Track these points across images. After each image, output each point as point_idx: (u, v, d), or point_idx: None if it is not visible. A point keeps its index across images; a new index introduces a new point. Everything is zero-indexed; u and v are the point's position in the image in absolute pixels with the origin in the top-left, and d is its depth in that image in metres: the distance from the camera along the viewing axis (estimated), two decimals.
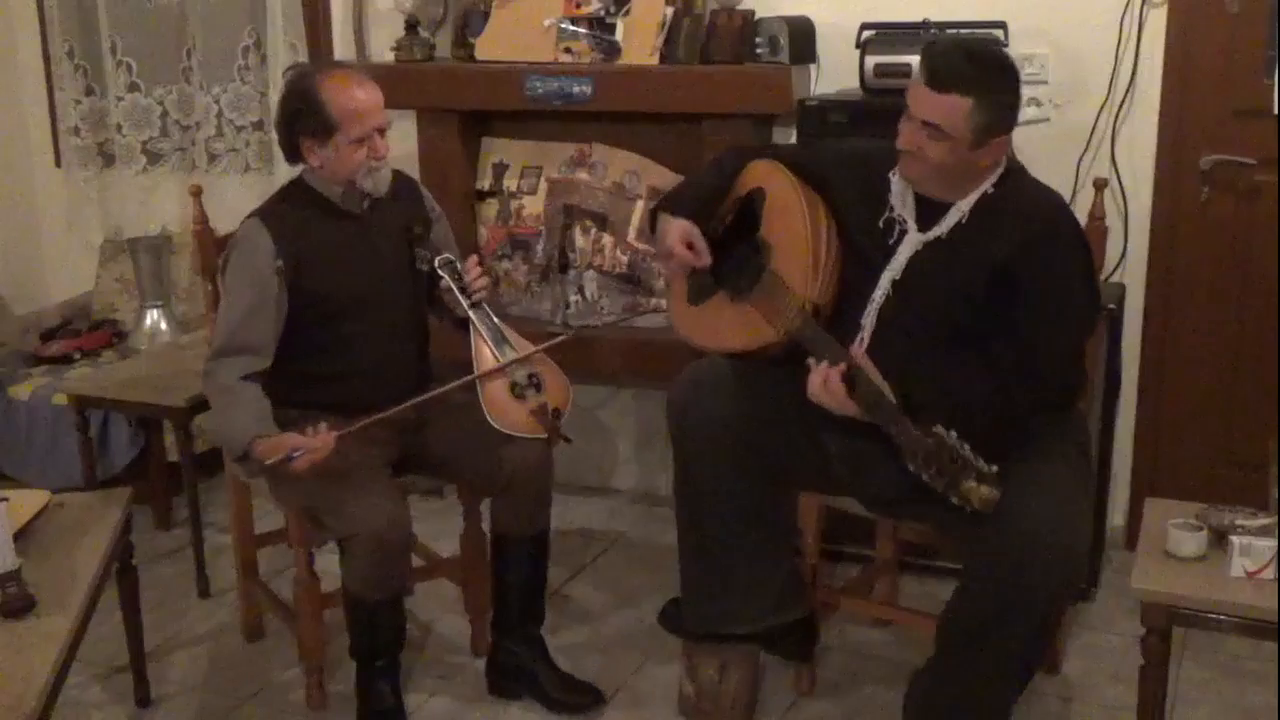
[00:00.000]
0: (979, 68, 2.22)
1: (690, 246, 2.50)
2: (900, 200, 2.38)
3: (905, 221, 2.36)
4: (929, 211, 2.35)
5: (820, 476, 2.51)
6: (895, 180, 2.39)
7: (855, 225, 2.42)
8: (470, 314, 2.71)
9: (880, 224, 2.38)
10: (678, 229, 2.51)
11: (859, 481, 2.47)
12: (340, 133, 2.60)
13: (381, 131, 2.66)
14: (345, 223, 2.71)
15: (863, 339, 2.36)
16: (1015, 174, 2.36)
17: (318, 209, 2.70)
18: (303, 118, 2.62)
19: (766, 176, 2.54)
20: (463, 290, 2.71)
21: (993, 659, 2.25)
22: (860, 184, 2.43)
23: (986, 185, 2.31)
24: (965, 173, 2.29)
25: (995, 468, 2.03)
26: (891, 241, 2.37)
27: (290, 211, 2.69)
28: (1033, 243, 2.26)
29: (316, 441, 2.47)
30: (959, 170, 2.28)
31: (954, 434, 2.05)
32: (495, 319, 2.74)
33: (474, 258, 2.82)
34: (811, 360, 2.27)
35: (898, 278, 2.35)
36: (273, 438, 2.51)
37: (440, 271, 2.71)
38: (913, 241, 2.35)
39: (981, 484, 2.01)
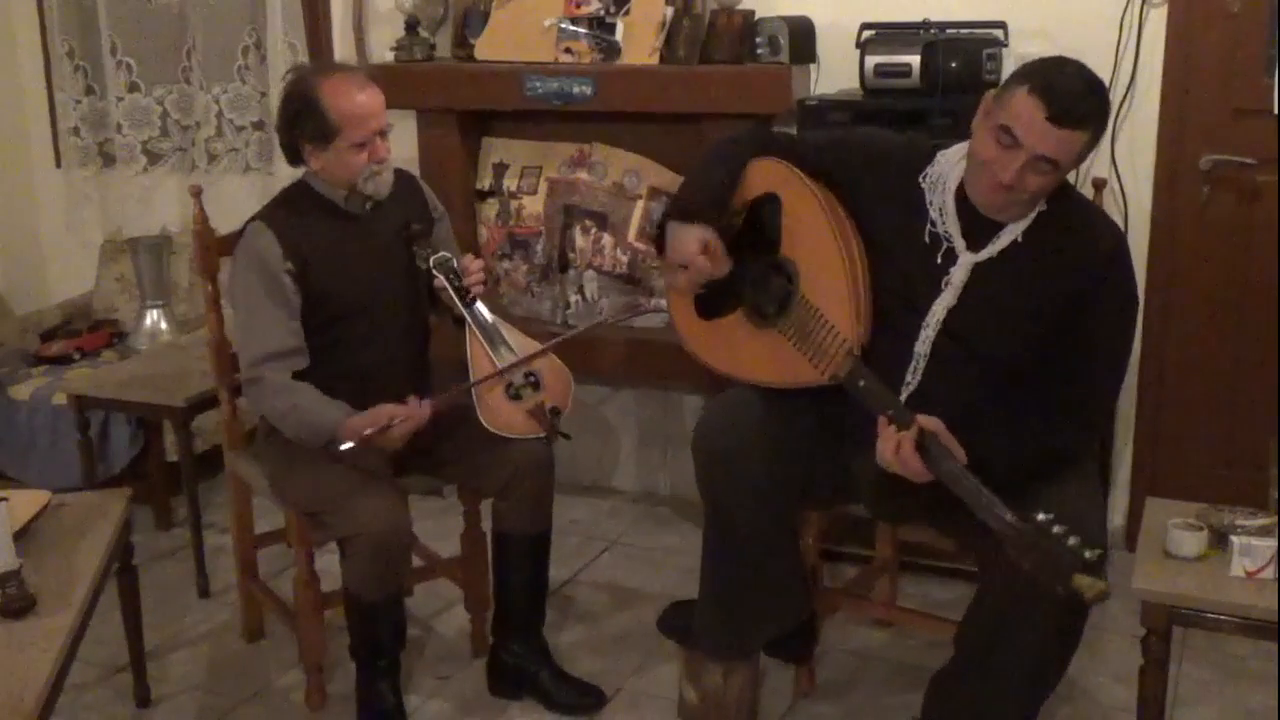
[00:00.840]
0: (1097, 103, 2.14)
1: (711, 256, 2.34)
2: (941, 215, 2.25)
3: (952, 238, 2.24)
4: (977, 228, 2.23)
5: (841, 494, 2.46)
6: (929, 190, 2.28)
7: (891, 235, 2.29)
8: (465, 313, 2.70)
9: (926, 239, 2.25)
10: (696, 236, 2.33)
11: (881, 500, 2.40)
12: (341, 137, 2.58)
13: (383, 134, 2.64)
14: (348, 224, 2.71)
15: (916, 368, 2.26)
16: (1066, 193, 2.26)
17: (320, 211, 2.69)
18: (303, 121, 2.60)
19: (780, 181, 2.39)
20: (457, 289, 2.70)
21: (1011, 669, 2.23)
22: (893, 188, 2.31)
23: (1041, 204, 2.21)
24: (1045, 196, 2.20)
25: (1099, 551, 1.89)
26: (940, 260, 2.24)
27: (292, 214, 2.68)
28: (1102, 276, 2.19)
29: (413, 410, 2.51)
30: (1043, 195, 2.19)
31: (1052, 518, 1.92)
32: (491, 317, 2.72)
33: (470, 256, 2.80)
34: (879, 421, 2.14)
35: (953, 304, 2.23)
36: (362, 414, 2.53)
37: (435, 271, 2.70)
38: (966, 264, 2.22)
39: (1097, 579, 1.87)
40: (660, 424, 3.88)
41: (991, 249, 2.22)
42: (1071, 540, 1.89)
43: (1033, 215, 2.21)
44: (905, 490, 2.22)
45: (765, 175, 2.42)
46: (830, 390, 2.26)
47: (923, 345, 2.25)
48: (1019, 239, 2.21)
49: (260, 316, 2.61)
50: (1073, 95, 2.10)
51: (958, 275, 2.23)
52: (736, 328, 2.43)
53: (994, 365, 2.24)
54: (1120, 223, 3.25)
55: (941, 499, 2.28)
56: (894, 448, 2.11)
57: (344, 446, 2.50)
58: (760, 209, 2.44)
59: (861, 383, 2.19)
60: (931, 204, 2.27)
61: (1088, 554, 1.88)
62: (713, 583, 2.55)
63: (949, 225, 2.25)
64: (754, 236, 2.43)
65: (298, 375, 2.64)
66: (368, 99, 2.60)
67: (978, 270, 2.23)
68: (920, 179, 2.29)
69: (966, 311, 2.23)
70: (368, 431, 2.50)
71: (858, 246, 2.29)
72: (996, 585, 2.21)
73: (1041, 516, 1.93)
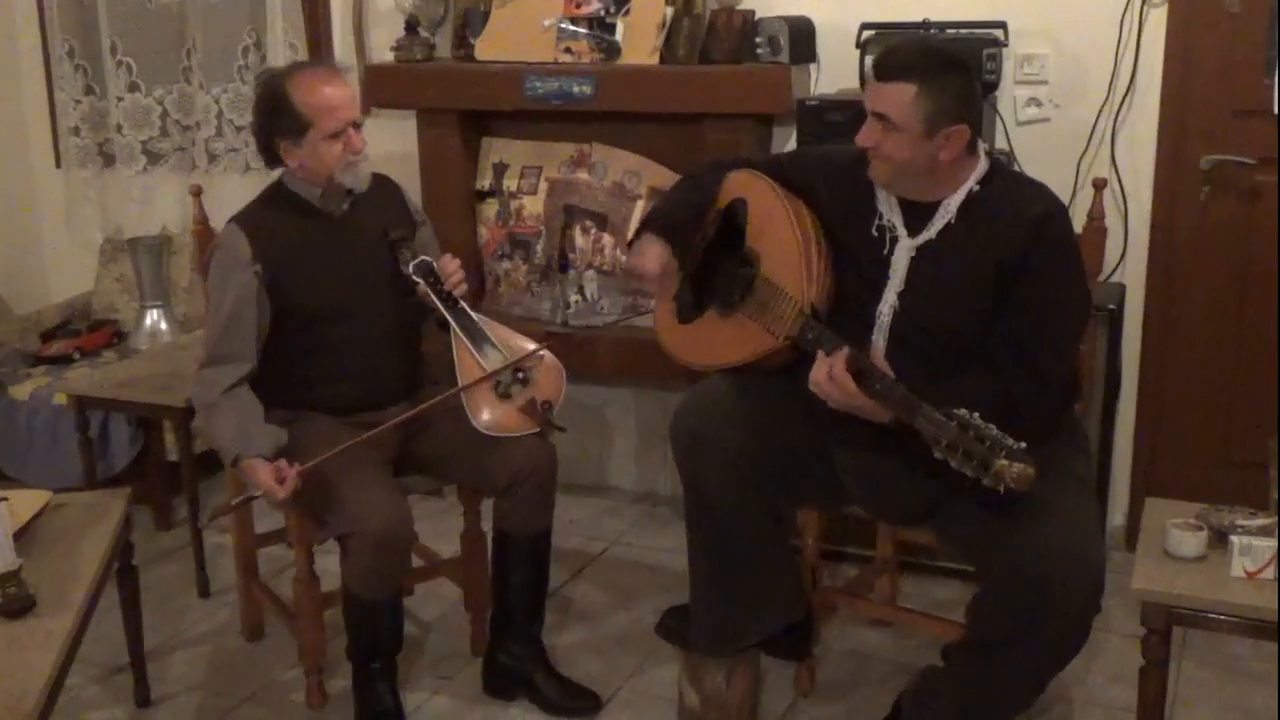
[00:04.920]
0: (919, 56, 2.24)
1: (663, 278, 2.51)
2: (886, 206, 2.35)
3: (895, 228, 2.34)
4: (916, 215, 2.32)
5: (828, 491, 2.50)
6: (877, 185, 2.37)
7: (848, 234, 2.38)
8: (448, 317, 2.70)
9: (873, 231, 2.35)
10: (658, 255, 2.51)
11: (868, 497, 2.46)
12: (314, 129, 2.61)
13: (356, 126, 2.66)
14: (324, 225, 2.72)
15: (879, 353, 2.30)
16: (1001, 172, 2.34)
17: (295, 211, 2.71)
18: (276, 119, 2.63)
19: (746, 186, 2.52)
20: (438, 293, 2.70)
21: (1005, 675, 2.24)
22: (846, 191, 2.40)
23: (970, 184, 2.28)
24: (930, 169, 2.25)
25: (1023, 444, 1.97)
26: (885, 251, 2.33)
27: (269, 215, 2.70)
28: (1032, 239, 2.22)
29: (271, 489, 2.50)
30: (922, 166, 2.25)
31: (976, 415, 2.01)
32: (475, 318, 2.72)
33: (448, 256, 2.78)
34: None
35: (901, 289, 2.31)
36: (254, 462, 2.55)
37: (415, 276, 2.70)
38: (906, 248, 2.32)
39: (1014, 461, 1.95)
40: (660, 424, 3.87)
41: (929, 232, 2.31)
42: (993, 430, 1.98)
43: (962, 193, 2.29)
44: (889, 485, 2.33)
45: (735, 184, 2.55)
46: (804, 379, 2.28)
47: (880, 332, 2.33)
48: (952, 220, 2.29)
49: (217, 318, 2.66)
50: (891, 51, 2.28)
51: (900, 260, 2.32)
52: (709, 323, 2.54)
53: (952, 341, 2.29)
54: (1120, 223, 3.26)
55: (931, 497, 2.29)
56: (826, 371, 2.19)
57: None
58: (730, 214, 2.54)
59: (810, 335, 2.28)
60: (878, 199, 2.37)
61: (1011, 443, 1.97)
62: (699, 571, 2.58)
63: (892, 215, 2.35)
64: (724, 241, 2.53)
65: (271, 378, 2.67)
66: (335, 90, 2.63)
67: (920, 253, 2.31)
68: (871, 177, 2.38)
69: (916, 293, 2.31)
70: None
71: (813, 225, 2.40)
72: (1000, 596, 2.21)
73: (960, 410, 2.01)
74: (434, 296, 2.69)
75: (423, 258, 2.72)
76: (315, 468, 2.52)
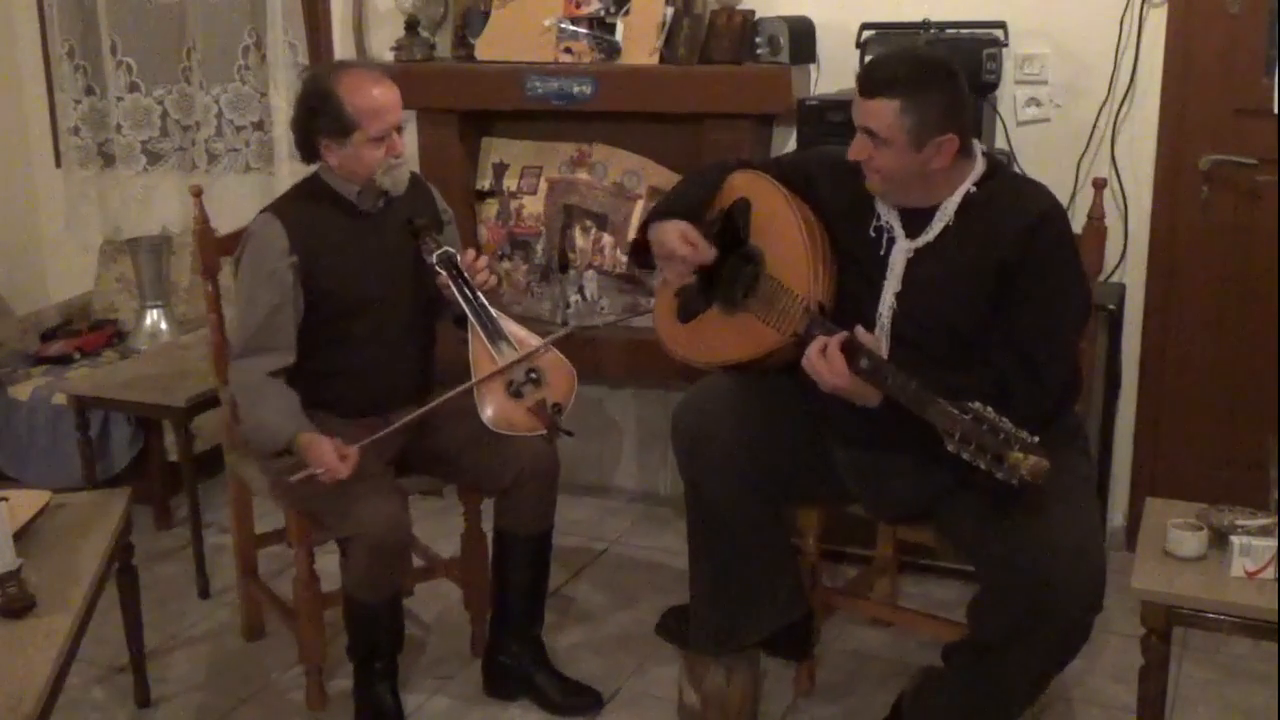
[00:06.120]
0: (902, 70, 2.22)
1: (691, 244, 2.48)
2: (885, 208, 2.35)
3: (893, 229, 2.34)
4: (914, 218, 2.32)
5: (828, 489, 2.50)
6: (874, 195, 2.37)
7: (847, 234, 2.39)
8: (466, 310, 2.69)
9: (871, 232, 2.36)
10: (674, 229, 2.48)
11: (868, 494, 2.46)
12: (359, 131, 2.59)
13: (399, 129, 2.65)
14: (359, 221, 2.71)
15: (881, 352, 2.31)
16: (999, 173, 2.34)
17: (332, 206, 2.70)
18: (321, 118, 2.61)
19: (749, 186, 2.52)
20: (459, 286, 2.70)
21: (1006, 675, 2.24)
22: (845, 191, 2.40)
23: (967, 186, 2.28)
24: (922, 177, 2.26)
25: (1036, 437, 1.97)
26: (883, 252, 2.34)
27: (304, 207, 2.69)
28: (1031, 239, 2.23)
29: (342, 468, 2.47)
30: (913, 176, 2.25)
31: (990, 409, 2.00)
32: (494, 313, 2.71)
33: (472, 252, 2.77)
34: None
35: (899, 289, 2.32)
36: (312, 438, 2.51)
37: (438, 267, 2.69)
38: (903, 249, 2.32)
39: (1028, 454, 1.94)
40: (660, 424, 3.87)
41: (927, 234, 2.31)
42: (1006, 422, 1.97)
43: (959, 196, 2.28)
44: (887, 480, 2.34)
45: (738, 185, 2.55)
46: (804, 377, 2.28)
47: (882, 332, 2.33)
48: (950, 222, 2.29)
49: (251, 307, 2.63)
50: (874, 66, 2.30)
51: (897, 261, 2.33)
52: (712, 321, 2.54)
53: (953, 341, 2.30)
54: (1120, 223, 3.26)
55: (928, 493, 2.29)
56: (819, 348, 2.19)
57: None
58: (733, 214, 2.53)
59: (817, 333, 2.27)
60: (878, 201, 2.37)
61: (1025, 436, 1.96)
62: (700, 570, 2.58)
63: (889, 217, 2.35)
64: (728, 239, 2.53)
65: (291, 371, 2.65)
66: (384, 93, 2.62)
67: (918, 255, 2.32)
68: None
69: (915, 294, 2.32)
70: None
71: (818, 224, 2.42)
72: (1001, 594, 2.21)
73: (976, 405, 2.00)
74: (455, 289, 2.69)
75: (446, 248, 2.71)
76: (374, 444, 2.51)
